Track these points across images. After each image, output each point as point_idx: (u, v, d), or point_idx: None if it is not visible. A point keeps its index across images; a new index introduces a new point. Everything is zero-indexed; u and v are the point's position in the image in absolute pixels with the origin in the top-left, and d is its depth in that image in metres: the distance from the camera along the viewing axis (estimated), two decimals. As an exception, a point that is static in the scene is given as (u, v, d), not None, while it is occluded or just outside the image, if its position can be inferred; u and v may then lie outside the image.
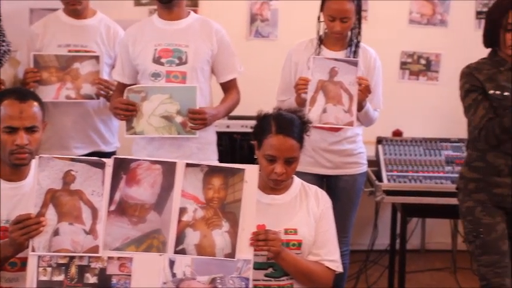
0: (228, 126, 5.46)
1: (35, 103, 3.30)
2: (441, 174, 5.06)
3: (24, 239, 3.01)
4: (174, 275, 3.08)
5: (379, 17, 6.31)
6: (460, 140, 5.18)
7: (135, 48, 4.24)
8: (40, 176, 3.07)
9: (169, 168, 3.13)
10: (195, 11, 4.83)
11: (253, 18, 6.27)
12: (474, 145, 3.96)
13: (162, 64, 4.17)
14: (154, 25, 4.26)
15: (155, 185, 3.12)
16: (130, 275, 3.08)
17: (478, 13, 6.34)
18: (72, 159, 3.13)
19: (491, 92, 3.84)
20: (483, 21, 4.02)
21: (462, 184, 4.01)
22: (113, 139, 4.70)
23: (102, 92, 4.41)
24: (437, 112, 6.26)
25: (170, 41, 4.19)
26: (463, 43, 5.81)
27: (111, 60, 4.54)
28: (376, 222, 5.68)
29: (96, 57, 4.44)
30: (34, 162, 3.17)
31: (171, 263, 3.09)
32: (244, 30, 6.26)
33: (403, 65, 6.50)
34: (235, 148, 5.48)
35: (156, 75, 4.16)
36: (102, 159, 3.14)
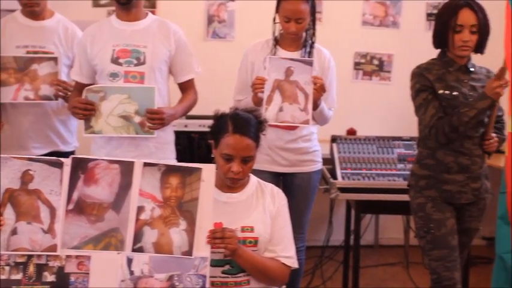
0: (186, 126, 5.46)
1: None
2: (393, 172, 5.08)
3: None
4: (132, 272, 3.05)
5: (333, 18, 6.35)
6: (411, 139, 5.21)
7: (93, 49, 4.20)
8: (-1, 176, 3.04)
9: (127, 168, 3.10)
10: (153, 12, 4.80)
11: (210, 20, 6.27)
12: (425, 143, 3.99)
13: (120, 64, 4.14)
14: (112, 26, 4.23)
15: (113, 184, 3.08)
16: (88, 273, 3.05)
17: (429, 15, 6.40)
18: (30, 159, 3.09)
19: (441, 91, 3.87)
20: (433, 23, 4.03)
21: (413, 181, 4.03)
22: (72, 139, 4.65)
23: (60, 93, 4.35)
24: (389, 111, 6.31)
25: (128, 41, 4.16)
26: (414, 44, 5.85)
27: (69, 60, 4.50)
28: (331, 219, 5.70)
29: (55, 59, 4.40)
30: (-9, 163, 3.13)
31: (129, 261, 3.06)
32: (201, 32, 6.25)
33: (357, 65, 6.53)
34: (193, 147, 5.47)
35: (114, 75, 4.13)
36: (61, 158, 3.11)
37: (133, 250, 3.06)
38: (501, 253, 3.62)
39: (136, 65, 4.14)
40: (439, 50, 3.99)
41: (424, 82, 3.91)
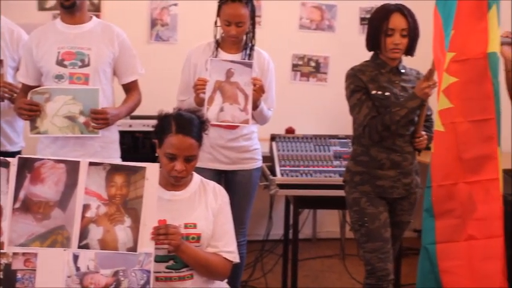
0: (130, 126, 5.43)
1: None
2: (330, 168, 5.10)
3: None
4: (78, 268, 3.03)
5: (272, 22, 6.36)
6: (346, 137, 5.23)
7: (38, 51, 4.16)
8: None
9: (72, 167, 3.08)
10: (98, 16, 4.78)
11: (153, 23, 6.23)
12: (359, 141, 4.01)
13: (65, 66, 4.10)
14: (57, 29, 4.19)
15: (59, 183, 3.06)
16: (35, 270, 3.02)
17: (362, 19, 6.45)
18: None
19: (374, 92, 3.90)
20: (366, 27, 4.06)
21: (348, 177, 4.06)
22: (18, 139, 4.58)
23: (6, 95, 4.29)
24: (326, 111, 6.34)
25: (73, 44, 4.13)
26: (349, 47, 5.89)
27: (15, 63, 4.43)
28: (271, 214, 5.71)
29: (0, 61, 4.32)
30: None
31: (75, 258, 3.04)
32: (145, 34, 6.22)
33: (295, 67, 6.55)
34: (137, 146, 5.46)
35: (59, 77, 4.09)
36: (7, 158, 3.08)
37: (79, 247, 3.04)
38: (426, 244, 3.65)
39: (80, 66, 4.11)
40: (372, 53, 4.02)
41: (358, 83, 3.93)
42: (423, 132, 3.99)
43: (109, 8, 6.00)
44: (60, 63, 4.09)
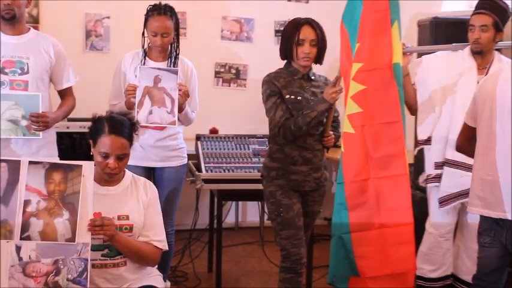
0: (68, 127, 5.36)
1: None
2: (249, 165, 5.11)
3: None
4: (20, 258, 3.02)
5: (196, 33, 6.35)
6: (264, 136, 5.24)
7: None
8: None
9: (14, 166, 3.06)
10: (36, 28, 4.73)
11: (88, 34, 6.17)
12: (275, 140, 4.03)
13: (6, 74, 4.04)
14: None
15: (1, 180, 3.04)
16: (-20, 260, 2.99)
17: (276, 31, 6.48)
18: None
19: (287, 96, 3.92)
20: (280, 38, 4.09)
21: (265, 172, 4.07)
22: (-36, 140, 4.48)
23: None
24: (245, 113, 6.35)
25: (13, 53, 4.07)
26: (265, 56, 5.89)
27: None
28: (197, 206, 5.70)
29: None
30: None
31: (18, 248, 3.02)
32: (80, 44, 6.15)
33: (217, 74, 6.56)
34: (74, 146, 5.39)
35: (1, 84, 4.03)
36: (-48, 159, 3.04)
37: (21, 238, 3.03)
38: (341, 234, 3.68)
39: (20, 74, 4.06)
40: (285, 61, 4.04)
41: (273, 88, 3.95)
42: (331, 132, 4.03)
43: (47, 20, 5.91)
44: (1, 70, 4.03)
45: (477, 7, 4.31)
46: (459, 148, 3.89)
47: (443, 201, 4.33)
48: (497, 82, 3.55)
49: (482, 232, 3.59)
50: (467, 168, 4.23)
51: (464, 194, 4.26)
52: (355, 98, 3.61)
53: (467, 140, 3.74)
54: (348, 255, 3.67)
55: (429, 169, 4.41)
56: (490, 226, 3.53)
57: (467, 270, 4.44)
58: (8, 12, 4.04)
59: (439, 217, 4.41)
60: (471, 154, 3.75)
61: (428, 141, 4.41)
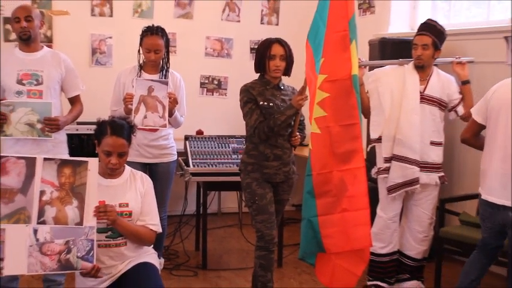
0: (77, 130, 5.36)
1: None
2: (230, 161, 5.12)
3: None
4: (37, 239, 3.01)
5: (184, 50, 6.38)
6: (241, 137, 5.24)
7: (2, 72, 4.04)
8: None
9: (31, 162, 3.05)
10: (50, 46, 4.72)
11: (94, 51, 6.17)
12: (251, 140, 4.03)
13: (23, 84, 4.02)
14: (16, 56, 4.09)
15: (20, 174, 3.03)
16: (3, 241, 2.98)
17: (252, 49, 6.53)
18: None
19: (261, 103, 3.93)
20: (254, 55, 4.09)
21: (243, 167, 4.07)
22: (-12, 141, 4.45)
23: None
24: (226, 117, 6.37)
25: (29, 67, 4.05)
26: (242, 69, 5.91)
27: (-17, 82, 4.30)
28: (186, 195, 5.70)
29: None
30: None
31: (35, 231, 3.01)
32: (87, 60, 6.14)
33: (202, 84, 6.58)
34: (83, 145, 5.38)
35: (19, 93, 4.01)
36: (-22, 156, 3.04)
37: (38, 223, 3.02)
38: (309, 217, 3.68)
39: (36, 85, 4.04)
40: (259, 74, 4.04)
41: (249, 96, 3.95)
42: (297, 133, 4.03)
43: (59, 39, 5.89)
44: (19, 82, 4.01)
45: (419, 29, 4.36)
46: (465, 141, 4.07)
47: (391, 190, 4.38)
48: (509, 89, 3.71)
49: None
50: (411, 162, 4.29)
51: (409, 183, 4.33)
52: (321, 104, 3.61)
53: (474, 135, 3.98)
54: (315, 235, 3.67)
55: (380, 163, 4.45)
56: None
57: (410, 247, 4.51)
58: (25, 33, 4.04)
59: (387, 203, 4.45)
60: (477, 146, 4.00)
61: (379, 139, 4.43)
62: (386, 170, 4.38)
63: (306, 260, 3.80)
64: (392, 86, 4.37)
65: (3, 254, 2.98)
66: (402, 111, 4.31)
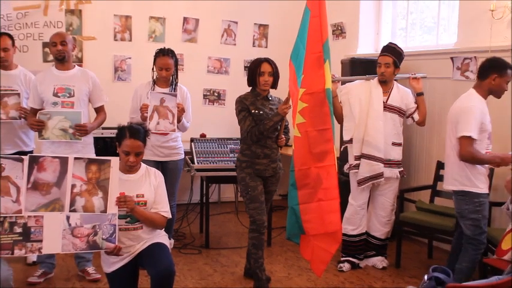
0: (102, 134, 5.32)
1: None
2: (228, 159, 5.10)
3: None
4: (69, 224, 3.02)
5: (190, 68, 6.35)
6: (237, 139, 5.20)
7: (41, 87, 4.07)
8: (-19, 168, 2.94)
9: (64, 161, 3.06)
10: (81, 65, 4.73)
11: (116, 69, 6.15)
12: (244, 141, 4.03)
13: (58, 97, 4.03)
14: (53, 73, 4.11)
15: (55, 171, 3.04)
16: (42, 226, 3.00)
17: (245, 67, 6.49)
18: (2, 157, 3.03)
19: (253, 111, 3.93)
20: (247, 71, 4.09)
21: (238, 163, 4.07)
22: (31, 143, 4.42)
23: (22, 115, 4.17)
24: (224, 123, 6.33)
25: (63, 82, 4.06)
26: (238, 84, 5.86)
27: (27, 94, 4.27)
28: (192, 187, 5.69)
29: (18, 94, 4.19)
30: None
31: (67, 218, 3.02)
32: (110, 76, 6.11)
33: (205, 96, 6.56)
34: (107, 147, 5.34)
35: (55, 104, 4.03)
36: (22, 156, 3.05)
37: (70, 211, 3.03)
38: (292, 205, 3.66)
39: (68, 97, 4.05)
40: (250, 87, 4.05)
41: (243, 105, 3.96)
42: (283, 136, 4.05)
43: (88, 60, 5.84)
44: (55, 94, 4.03)
45: (382, 51, 4.39)
46: None
47: (361, 182, 4.39)
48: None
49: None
50: (377, 159, 4.31)
51: (375, 177, 4.35)
52: (301, 112, 3.60)
53: None
54: (297, 220, 3.66)
55: (351, 160, 4.46)
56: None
57: (376, 229, 4.54)
58: (60, 55, 4.07)
59: (357, 193, 4.46)
60: None
61: (350, 141, 4.45)
62: (357, 166, 4.40)
63: (292, 240, 3.80)
64: (361, 97, 4.38)
65: (42, 236, 2.99)
66: (369, 118, 4.33)
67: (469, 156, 3.63)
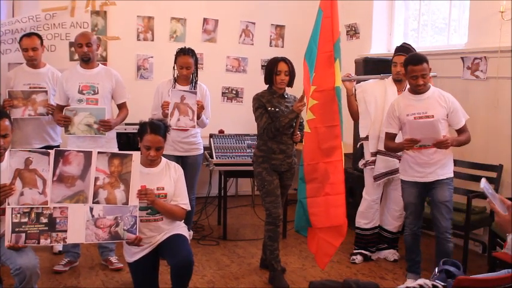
0: (125, 129, 5.31)
1: (6, 119, 3.14)
2: (245, 154, 5.09)
3: (3, 198, 2.92)
4: (92, 216, 3.05)
5: (210, 67, 6.33)
6: (254, 135, 5.15)
7: (67, 84, 4.09)
8: (11, 161, 2.97)
9: (88, 155, 3.07)
10: (105, 64, 4.75)
11: (138, 68, 6.14)
12: (261, 137, 4.00)
13: (83, 94, 4.05)
14: (78, 71, 4.12)
15: (80, 164, 3.05)
16: (67, 217, 3.02)
17: (262, 66, 6.45)
18: (30, 151, 3.05)
19: (270, 108, 3.91)
20: (264, 70, 4.07)
21: (255, 158, 4.05)
22: (57, 137, 4.45)
23: (50, 111, 4.21)
24: (242, 119, 6.30)
25: (88, 80, 4.08)
26: (255, 82, 5.84)
27: (54, 92, 4.31)
28: (210, 181, 5.69)
29: (46, 91, 4.24)
30: (7, 154, 3.03)
31: (91, 209, 3.04)
32: (133, 75, 6.11)
33: (223, 93, 6.54)
34: (129, 142, 5.34)
35: (80, 100, 4.04)
36: (48, 150, 3.06)
37: (93, 203, 3.05)
38: (301, 198, 3.67)
39: (93, 94, 4.06)
40: (267, 85, 4.02)
41: (260, 103, 3.93)
42: (298, 132, 4.01)
43: (112, 58, 5.81)
44: (80, 92, 4.04)
45: (398, 50, 4.29)
46: None
47: (377, 178, 4.34)
48: None
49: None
50: (392, 155, 4.25)
51: (390, 172, 4.30)
52: (312, 109, 3.59)
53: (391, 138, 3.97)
54: (304, 213, 3.65)
55: (367, 157, 4.40)
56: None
57: (389, 223, 4.49)
58: (85, 56, 4.09)
59: (371, 188, 4.41)
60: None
61: (366, 138, 4.39)
62: (373, 162, 4.34)
63: (300, 232, 3.80)
64: (376, 95, 4.32)
65: (67, 226, 3.01)
66: (385, 116, 4.25)
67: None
